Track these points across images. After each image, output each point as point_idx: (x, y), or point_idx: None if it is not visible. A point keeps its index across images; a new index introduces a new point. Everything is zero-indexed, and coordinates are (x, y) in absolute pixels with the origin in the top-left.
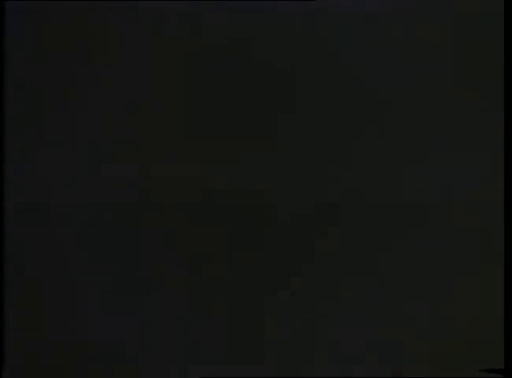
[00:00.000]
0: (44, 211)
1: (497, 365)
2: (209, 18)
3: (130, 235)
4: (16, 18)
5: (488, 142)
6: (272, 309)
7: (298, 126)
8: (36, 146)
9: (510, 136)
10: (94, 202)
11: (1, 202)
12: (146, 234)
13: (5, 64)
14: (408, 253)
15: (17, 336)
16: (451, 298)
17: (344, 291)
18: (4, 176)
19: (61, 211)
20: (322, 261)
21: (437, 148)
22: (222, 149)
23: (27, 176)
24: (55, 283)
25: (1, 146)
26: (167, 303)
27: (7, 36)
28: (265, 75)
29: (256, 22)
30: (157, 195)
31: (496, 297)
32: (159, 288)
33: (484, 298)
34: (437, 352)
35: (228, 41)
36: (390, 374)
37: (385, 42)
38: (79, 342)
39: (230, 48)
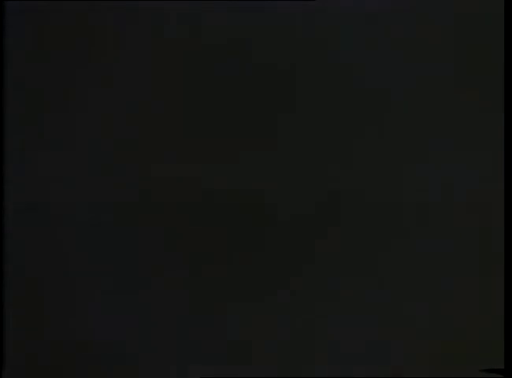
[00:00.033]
0: (44, 211)
1: (497, 365)
2: (209, 18)
3: (130, 235)
4: (16, 18)
5: (488, 142)
6: (272, 309)
7: (298, 126)
8: (36, 146)
9: (510, 136)
10: (94, 202)
11: (1, 202)
12: (146, 234)
13: (5, 64)
14: (408, 253)
15: (17, 336)
16: (451, 298)
17: (344, 291)
18: (4, 176)
19: (61, 211)
20: (322, 261)
21: (437, 148)
22: (222, 149)
23: (27, 176)
24: (55, 283)
25: (1, 146)
26: (167, 303)
27: (7, 36)
28: (265, 75)
29: (256, 22)
30: (157, 195)
31: (496, 297)
32: (159, 288)
33: (484, 298)
34: (437, 352)
35: (228, 41)
36: (390, 374)
37: (385, 42)
38: (79, 342)
39: (230, 48)
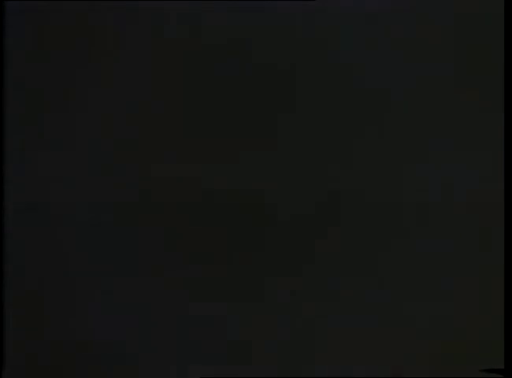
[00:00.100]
0: (44, 211)
1: (497, 365)
2: (209, 18)
3: (130, 235)
4: (16, 18)
5: (488, 142)
6: (272, 309)
7: (298, 126)
8: (36, 146)
9: (510, 136)
10: (94, 202)
11: (1, 202)
12: (146, 234)
13: (5, 64)
14: (408, 253)
15: (17, 336)
16: (451, 298)
17: (344, 291)
18: (4, 176)
19: (61, 211)
20: (322, 261)
21: (437, 148)
22: (222, 149)
23: (27, 176)
24: (55, 283)
25: (1, 146)
26: (167, 303)
27: (7, 36)
28: (265, 75)
29: (256, 22)
30: (157, 195)
31: (496, 297)
32: (159, 288)
33: (484, 298)
34: (437, 352)
35: (228, 41)
36: (390, 374)
37: (385, 42)
38: (79, 342)
39: (230, 48)
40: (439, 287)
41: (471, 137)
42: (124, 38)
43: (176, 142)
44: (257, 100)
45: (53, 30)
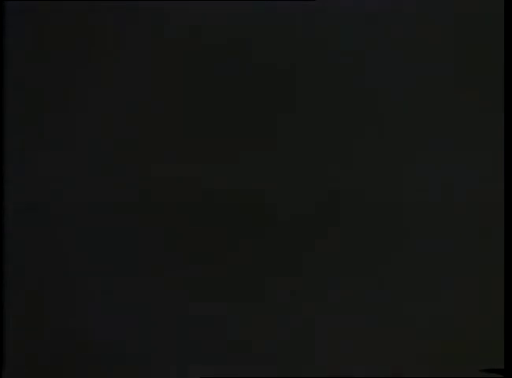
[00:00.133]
0: (44, 211)
1: (497, 365)
2: (209, 18)
3: (130, 235)
4: (16, 18)
5: (488, 142)
6: (272, 309)
7: (298, 126)
8: (36, 146)
9: (510, 136)
10: (94, 202)
11: (1, 202)
12: (146, 234)
13: (5, 64)
14: (408, 253)
15: (17, 336)
16: (451, 298)
17: (344, 291)
18: (4, 176)
19: (61, 211)
20: (322, 261)
21: (437, 148)
22: (222, 149)
23: (27, 176)
24: (55, 283)
25: (1, 146)
26: (167, 303)
27: (7, 36)
28: (265, 75)
29: (256, 22)
30: (157, 195)
31: (496, 297)
32: (159, 288)
33: (484, 298)
34: (437, 352)
35: (228, 41)
36: (390, 374)
37: (385, 42)
38: (79, 342)
39: (230, 48)
40: (439, 287)
41: (471, 137)
42: (124, 38)
43: (176, 142)
44: (257, 100)
45: (53, 30)
